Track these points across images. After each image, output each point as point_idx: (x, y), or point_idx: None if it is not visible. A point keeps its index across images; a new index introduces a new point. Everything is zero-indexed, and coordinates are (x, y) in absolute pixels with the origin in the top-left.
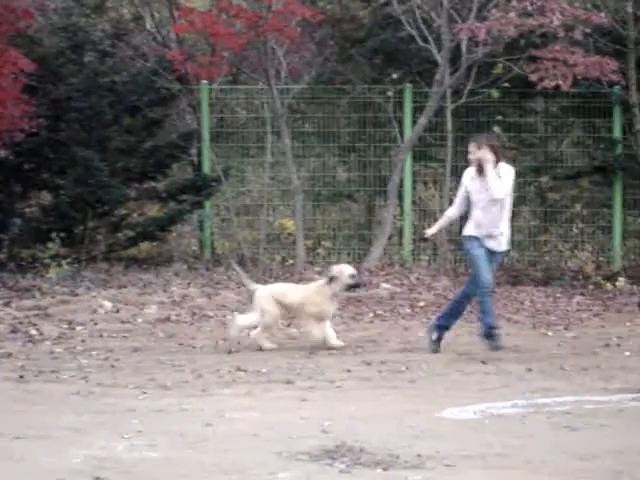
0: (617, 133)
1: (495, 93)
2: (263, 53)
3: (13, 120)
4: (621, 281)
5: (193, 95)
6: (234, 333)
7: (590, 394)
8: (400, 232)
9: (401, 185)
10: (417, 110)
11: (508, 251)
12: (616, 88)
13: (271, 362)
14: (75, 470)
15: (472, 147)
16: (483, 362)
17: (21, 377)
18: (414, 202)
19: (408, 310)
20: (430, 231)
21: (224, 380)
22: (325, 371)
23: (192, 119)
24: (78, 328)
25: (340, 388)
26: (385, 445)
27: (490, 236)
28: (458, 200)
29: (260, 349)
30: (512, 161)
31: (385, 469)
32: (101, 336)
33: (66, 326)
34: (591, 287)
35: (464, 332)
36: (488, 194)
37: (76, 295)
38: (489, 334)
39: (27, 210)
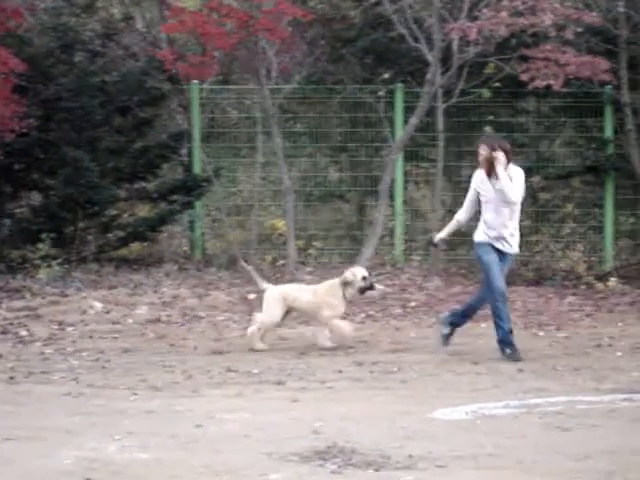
0: (609, 133)
1: (486, 93)
2: (254, 53)
3: (3, 120)
4: (613, 281)
5: (184, 95)
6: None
7: (582, 394)
8: (391, 232)
9: (392, 185)
10: (408, 110)
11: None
12: (608, 88)
13: (262, 363)
14: (66, 471)
15: (483, 148)
16: (475, 362)
17: (11, 378)
18: (405, 202)
19: (399, 310)
20: (439, 236)
21: (215, 381)
22: (316, 372)
23: (183, 119)
24: (68, 329)
25: (331, 389)
26: (377, 446)
27: (501, 238)
28: (467, 203)
29: (252, 349)
30: None
31: (377, 470)
32: (91, 337)
33: (56, 327)
34: (583, 287)
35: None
36: (499, 196)
37: (66, 296)
38: (507, 340)
39: (17, 211)
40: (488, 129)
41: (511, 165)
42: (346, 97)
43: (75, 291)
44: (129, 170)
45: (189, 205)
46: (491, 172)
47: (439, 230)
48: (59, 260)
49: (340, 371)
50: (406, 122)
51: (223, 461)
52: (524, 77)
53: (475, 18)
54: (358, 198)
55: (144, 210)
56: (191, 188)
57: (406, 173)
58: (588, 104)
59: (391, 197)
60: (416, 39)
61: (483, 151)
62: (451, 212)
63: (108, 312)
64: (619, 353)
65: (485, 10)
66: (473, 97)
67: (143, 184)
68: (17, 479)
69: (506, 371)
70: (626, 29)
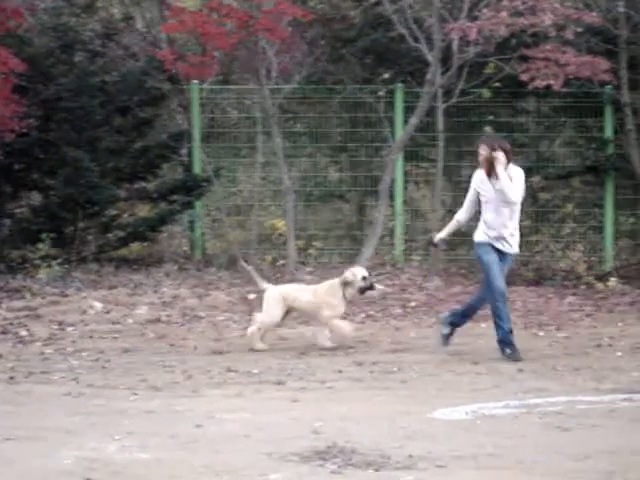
0: (609, 133)
1: (486, 93)
2: (254, 53)
3: (3, 120)
4: (613, 281)
5: (184, 95)
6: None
7: (582, 394)
8: (391, 232)
9: (392, 185)
10: (408, 110)
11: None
12: (608, 88)
13: (262, 363)
14: (66, 471)
15: (483, 148)
16: (475, 362)
17: (11, 378)
18: (405, 202)
19: (399, 310)
20: (439, 236)
21: (215, 381)
22: (316, 372)
23: (183, 119)
24: (68, 329)
25: (331, 389)
26: (377, 446)
27: (501, 238)
28: (467, 203)
29: (252, 349)
30: None
31: (377, 470)
32: (91, 337)
33: (56, 327)
34: (583, 287)
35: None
36: (499, 196)
37: (66, 296)
38: (507, 340)
39: (17, 211)
40: (488, 129)
41: (511, 165)
42: (346, 97)
43: (75, 291)
44: (129, 170)
45: (189, 205)
46: (491, 172)
47: (439, 230)
48: (59, 260)
49: (340, 371)
50: (406, 122)
51: (223, 461)
52: (524, 77)
53: (475, 18)
54: (358, 198)
55: (144, 210)
56: (191, 188)
57: (406, 173)
58: (588, 104)
59: (391, 197)
60: (416, 39)
61: (483, 151)
62: (451, 212)
63: (108, 312)
64: (619, 353)
65: (485, 10)
66: (473, 97)
67: (143, 184)
68: (17, 479)
69: (506, 371)
70: (626, 29)
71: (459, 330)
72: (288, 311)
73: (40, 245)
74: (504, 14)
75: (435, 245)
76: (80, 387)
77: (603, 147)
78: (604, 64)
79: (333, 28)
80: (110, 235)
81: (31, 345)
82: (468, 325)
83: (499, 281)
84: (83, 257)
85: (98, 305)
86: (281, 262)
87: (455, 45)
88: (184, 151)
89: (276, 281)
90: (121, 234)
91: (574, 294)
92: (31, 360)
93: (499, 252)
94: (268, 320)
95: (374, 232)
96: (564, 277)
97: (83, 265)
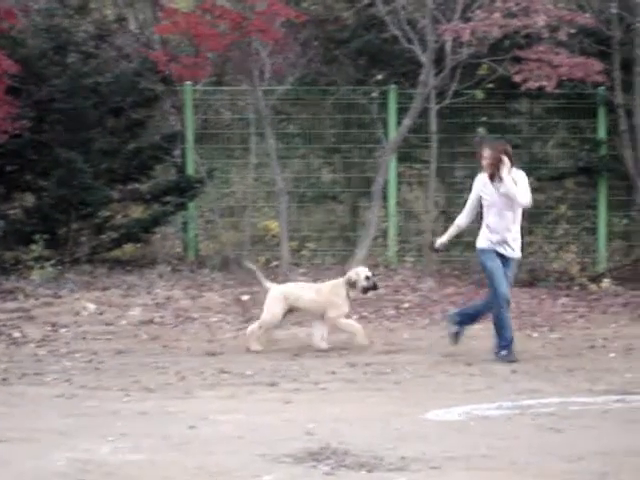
0: (602, 134)
1: (479, 94)
2: (247, 54)
3: None
4: (606, 282)
5: (177, 96)
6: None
7: (575, 395)
8: (385, 233)
9: (386, 186)
10: (401, 111)
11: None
12: (601, 89)
13: (255, 364)
14: (59, 473)
15: (486, 152)
16: (468, 364)
17: (4, 380)
18: (399, 203)
19: (393, 312)
20: (440, 241)
21: (208, 382)
22: (310, 373)
23: (176, 120)
24: (62, 330)
25: (325, 390)
26: (370, 447)
27: (504, 242)
28: (468, 208)
29: (247, 349)
30: None
31: (369, 471)
32: (85, 338)
33: (50, 328)
34: (576, 288)
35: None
36: (503, 199)
37: (59, 297)
38: (507, 347)
39: (10, 212)
40: (481, 130)
41: (513, 168)
42: (339, 98)
43: (68, 292)
44: (122, 171)
45: (182, 206)
46: (494, 176)
47: (433, 231)
48: (52, 261)
49: (333, 372)
50: (399, 123)
51: (216, 462)
52: (517, 78)
53: (468, 19)
54: (351, 199)
55: (137, 211)
56: (184, 189)
57: (399, 174)
58: (581, 105)
59: (384, 198)
60: (409, 40)
61: (486, 154)
62: (444, 213)
63: (101, 313)
64: (612, 354)
65: (478, 11)
66: (466, 98)
67: (136, 185)
68: None
69: (499, 372)
70: (619, 30)
71: (444, 332)
72: (291, 310)
73: (33, 246)
74: (497, 15)
75: (437, 250)
76: (73, 388)
77: (596, 148)
78: (597, 65)
79: (326, 29)
80: (103, 236)
81: (24, 346)
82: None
83: (503, 287)
84: (76, 258)
85: (91, 306)
86: (274, 263)
87: (448, 46)
88: (177, 152)
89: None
90: (114, 235)
91: (567, 295)
92: (24, 361)
93: (502, 257)
94: (269, 318)
95: (367, 233)
96: (557, 278)
97: (76, 266)
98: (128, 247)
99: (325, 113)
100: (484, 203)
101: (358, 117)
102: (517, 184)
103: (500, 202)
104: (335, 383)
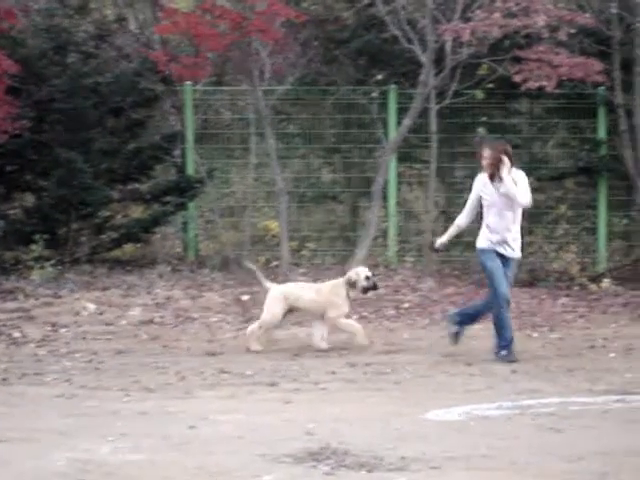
0: (602, 134)
1: (479, 94)
2: (247, 54)
3: None
4: (606, 282)
5: (177, 96)
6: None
7: (575, 395)
8: (385, 233)
9: (386, 186)
10: (401, 111)
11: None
12: (601, 89)
13: (255, 364)
14: (59, 473)
15: (486, 152)
16: (468, 364)
17: (4, 380)
18: (399, 203)
19: (393, 312)
20: (440, 241)
21: (208, 382)
22: (310, 373)
23: (176, 120)
24: (62, 330)
25: (325, 390)
26: (370, 447)
27: (504, 242)
28: (468, 208)
29: (247, 349)
30: None
31: (369, 471)
32: (85, 338)
33: (49, 328)
34: (576, 288)
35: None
36: (503, 199)
37: (59, 297)
38: (507, 347)
39: (10, 212)
40: (481, 130)
41: (513, 168)
42: (339, 98)
43: (68, 292)
44: (122, 171)
45: (182, 206)
46: (494, 176)
47: (433, 231)
48: (52, 261)
49: (333, 372)
50: (399, 123)
51: (216, 462)
52: (517, 78)
53: (468, 19)
54: (351, 199)
55: (137, 211)
56: (184, 189)
57: (399, 174)
58: (581, 105)
59: (384, 198)
60: (409, 40)
61: (486, 154)
62: (444, 213)
63: (101, 313)
64: (612, 354)
65: (478, 11)
66: (466, 98)
67: (136, 185)
68: None
69: (499, 372)
70: (619, 30)
71: (444, 332)
72: (291, 310)
73: (33, 246)
74: (497, 15)
75: (437, 250)
76: (73, 388)
77: (596, 148)
78: (597, 65)
79: (326, 29)
80: (103, 236)
81: (24, 346)
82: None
83: (503, 287)
84: (76, 258)
85: (91, 306)
86: (274, 263)
87: (448, 46)
88: (177, 152)
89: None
90: (114, 235)
91: (567, 295)
92: (24, 361)
93: (502, 257)
94: (269, 318)
95: (367, 233)
96: (557, 278)
97: (76, 266)
98: (128, 247)
99: (325, 113)
100: (484, 203)
101: (358, 117)
102: (517, 184)
103: (500, 202)
104: (335, 383)
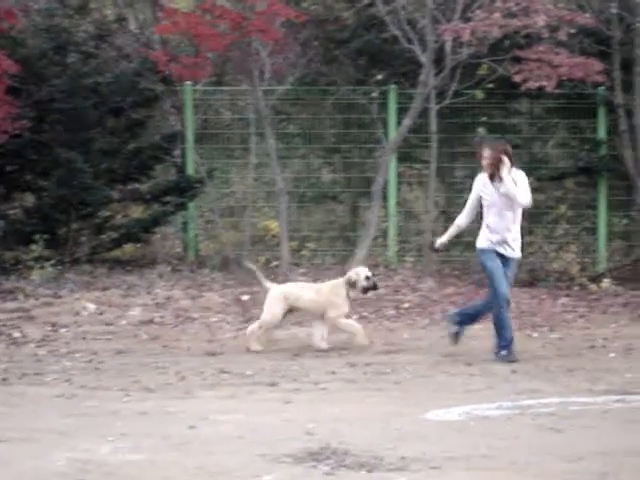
0: (602, 134)
1: (479, 94)
2: (247, 54)
3: None
4: (606, 282)
5: (177, 96)
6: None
7: (575, 395)
8: (385, 233)
9: (386, 186)
10: (401, 111)
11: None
12: (601, 89)
13: (255, 364)
14: (59, 473)
15: (486, 152)
16: (468, 364)
17: (4, 380)
18: (399, 203)
19: (393, 312)
20: (440, 241)
21: (208, 382)
22: (310, 373)
23: (176, 120)
24: (62, 330)
25: (325, 390)
26: (370, 447)
27: (504, 242)
28: (468, 208)
29: (247, 349)
30: None
31: (369, 471)
32: (85, 338)
33: (50, 328)
34: (576, 288)
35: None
36: (503, 199)
37: (59, 297)
38: (507, 347)
39: (10, 212)
40: (481, 130)
41: (513, 168)
42: (339, 98)
43: (68, 292)
44: (122, 171)
45: (182, 206)
46: (494, 176)
47: (433, 231)
48: (52, 261)
49: (333, 372)
50: (399, 123)
51: (216, 462)
52: (517, 78)
53: (468, 19)
54: (351, 199)
55: (137, 211)
56: (184, 189)
57: (399, 174)
58: (581, 105)
59: (384, 198)
60: (409, 40)
61: (486, 154)
62: (444, 213)
63: (101, 313)
64: (612, 354)
65: (478, 11)
66: (466, 98)
67: (136, 185)
68: None
69: (499, 372)
70: (619, 30)
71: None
72: (291, 310)
73: (33, 246)
74: (497, 15)
75: (437, 250)
76: (73, 388)
77: (596, 148)
78: (597, 65)
79: (326, 29)
80: (103, 236)
81: (24, 346)
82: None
83: (503, 287)
84: (76, 258)
85: (91, 306)
86: (274, 263)
87: (448, 46)
88: (177, 152)
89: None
90: (114, 235)
91: (567, 295)
92: (24, 361)
93: (502, 257)
94: (269, 318)
95: (367, 233)
96: (557, 278)
97: (76, 266)
98: (128, 247)
99: (325, 113)
100: (484, 203)
101: (358, 117)
102: (517, 184)
103: (500, 202)
104: (335, 383)
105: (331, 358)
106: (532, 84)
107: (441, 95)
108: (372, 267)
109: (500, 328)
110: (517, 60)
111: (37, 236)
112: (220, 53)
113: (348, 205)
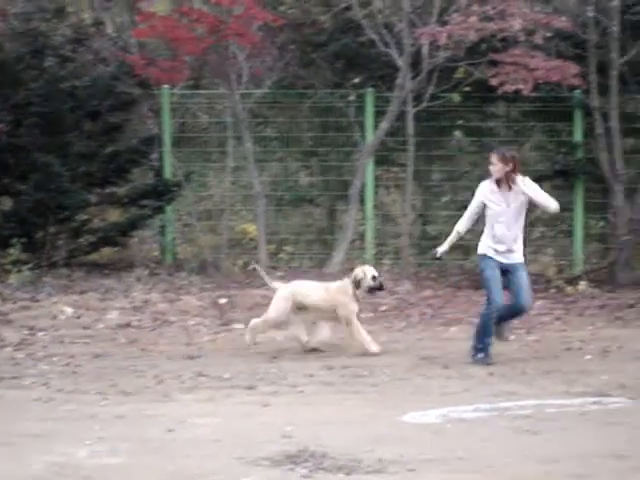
0: (578, 137)
1: (456, 97)
2: (224, 58)
3: None
4: (582, 285)
5: (154, 100)
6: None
7: (552, 398)
8: (362, 236)
9: (363, 189)
10: (379, 114)
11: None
12: (577, 92)
13: (233, 367)
14: (36, 477)
15: (495, 159)
16: (445, 366)
17: None
18: (376, 206)
19: (370, 314)
20: (441, 249)
21: (186, 386)
22: (288, 376)
23: (153, 124)
24: (39, 334)
25: (302, 393)
26: (347, 450)
27: (510, 251)
28: (468, 214)
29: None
30: (474, 166)
31: (347, 474)
32: (62, 342)
33: (27, 332)
34: (553, 291)
35: (425, 336)
36: (513, 209)
37: (37, 301)
38: (484, 350)
39: None
40: (458, 134)
41: (520, 176)
42: (316, 102)
43: (46, 296)
44: (100, 175)
45: (160, 210)
46: (505, 185)
47: (410, 234)
48: (30, 265)
49: (311, 375)
50: (376, 126)
51: (194, 465)
52: (494, 82)
53: (445, 23)
54: (329, 202)
55: (115, 215)
56: (162, 193)
57: (377, 177)
58: (557, 108)
59: (362, 201)
60: (386, 44)
61: (494, 161)
62: (421, 216)
63: (79, 317)
64: (589, 356)
65: (455, 15)
66: (443, 102)
67: (114, 189)
68: None
69: (476, 375)
70: (595, 34)
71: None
72: (299, 308)
73: (11, 250)
74: (474, 19)
75: (439, 259)
76: (51, 392)
77: (573, 151)
78: (573, 68)
79: (303, 33)
80: (81, 240)
81: (2, 350)
82: (439, 329)
83: (499, 297)
84: (54, 262)
85: (69, 310)
86: (252, 267)
87: (425, 50)
88: (155, 156)
89: (247, 285)
90: (92, 239)
91: (544, 298)
92: (2, 365)
93: (508, 266)
94: (274, 315)
95: (345, 236)
96: (534, 281)
97: (54, 270)
98: (106, 251)
99: (302, 116)
100: (489, 212)
101: (335, 120)
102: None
103: (510, 212)
104: (313, 386)
105: (309, 361)
106: (509, 87)
107: (418, 98)
108: (349, 270)
109: (481, 334)
110: (494, 63)
111: (14, 240)
112: (197, 57)
113: (325, 208)
